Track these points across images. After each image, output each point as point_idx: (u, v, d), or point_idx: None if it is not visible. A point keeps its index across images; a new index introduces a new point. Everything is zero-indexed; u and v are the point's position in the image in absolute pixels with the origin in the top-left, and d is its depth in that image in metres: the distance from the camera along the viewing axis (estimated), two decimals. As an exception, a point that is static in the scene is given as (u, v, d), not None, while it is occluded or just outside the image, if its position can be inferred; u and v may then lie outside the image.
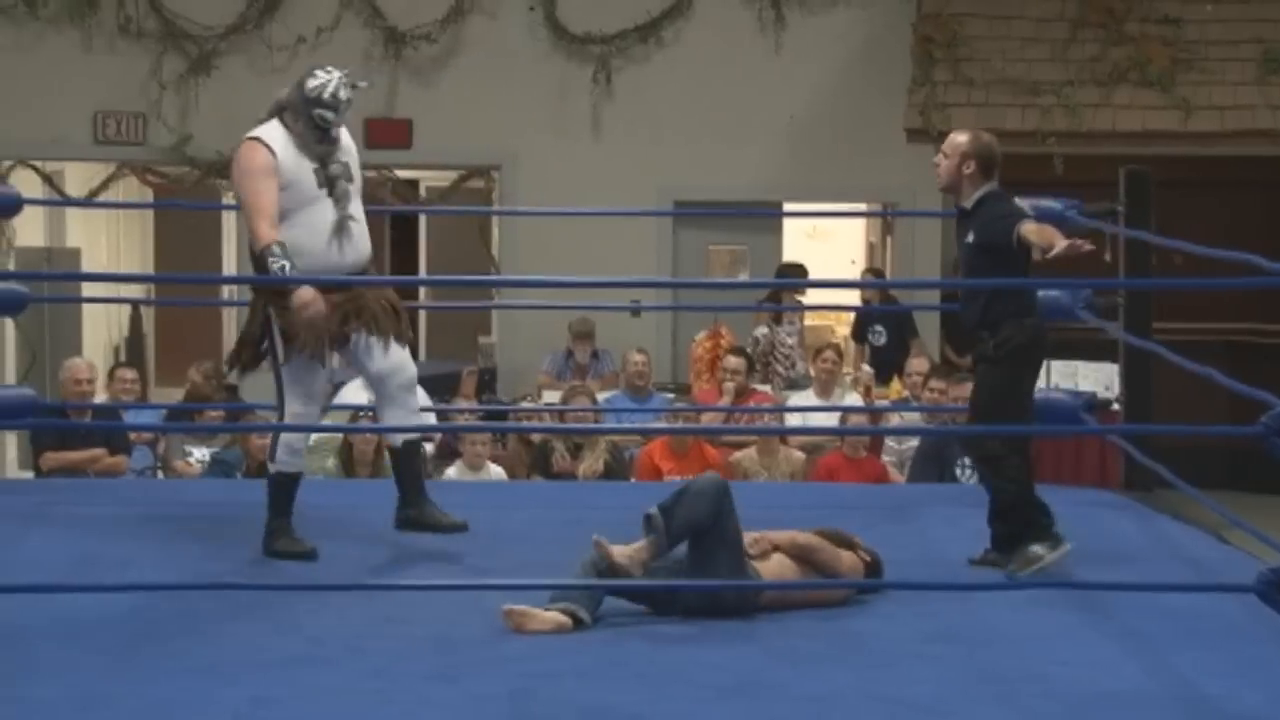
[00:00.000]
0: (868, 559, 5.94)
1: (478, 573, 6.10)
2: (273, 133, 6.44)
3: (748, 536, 5.81)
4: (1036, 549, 6.13)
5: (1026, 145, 12.34)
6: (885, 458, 10.02)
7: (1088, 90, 12.28)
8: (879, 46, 12.96)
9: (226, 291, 12.21)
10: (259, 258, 6.30)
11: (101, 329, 15.79)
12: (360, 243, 6.53)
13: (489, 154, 13.23)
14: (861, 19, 13.10)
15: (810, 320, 13.24)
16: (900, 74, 12.60)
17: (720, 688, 4.93)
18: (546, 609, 5.42)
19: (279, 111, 6.48)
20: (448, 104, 13.02)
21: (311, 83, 6.42)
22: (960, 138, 6.55)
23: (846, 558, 5.86)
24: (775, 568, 5.73)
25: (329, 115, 6.41)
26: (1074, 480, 9.86)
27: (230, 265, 14.72)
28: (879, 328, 12.54)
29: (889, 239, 14.22)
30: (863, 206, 13.65)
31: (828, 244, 15.71)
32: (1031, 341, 6.36)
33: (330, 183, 6.42)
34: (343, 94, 6.43)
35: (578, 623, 5.41)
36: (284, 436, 6.46)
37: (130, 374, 10.82)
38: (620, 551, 5.53)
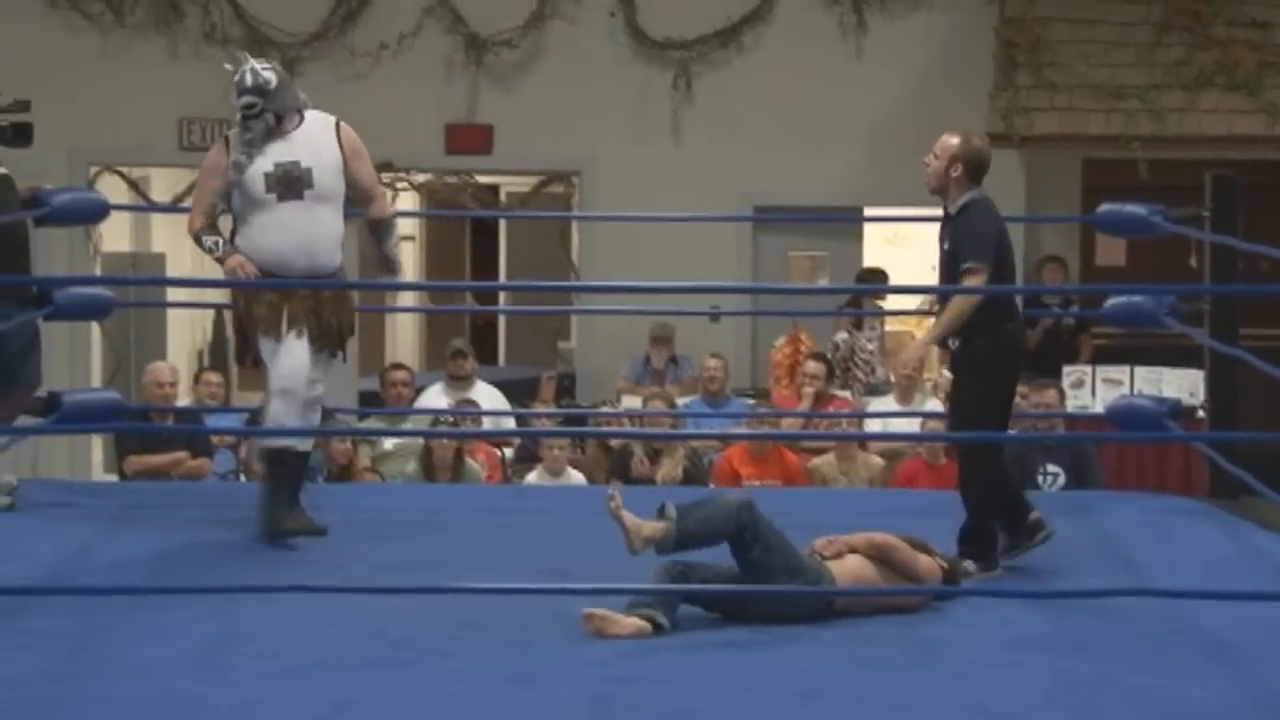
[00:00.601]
0: (945, 565, 5.91)
1: (557, 577, 6.11)
2: (232, 132, 6.71)
3: (821, 539, 5.80)
4: (968, 565, 6.09)
5: (1110, 150, 12.27)
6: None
7: (1173, 94, 12.17)
8: (961, 51, 12.90)
9: (309, 296, 12.29)
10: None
11: (185, 333, 15.91)
12: (314, 250, 6.63)
13: (569, 159, 13.26)
14: (943, 23, 13.04)
15: (890, 326, 13.19)
16: (982, 78, 12.54)
17: (799, 693, 4.92)
18: (625, 614, 5.42)
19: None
20: (528, 109, 13.05)
21: (233, 78, 6.62)
22: (951, 140, 6.56)
23: (924, 560, 5.83)
24: (851, 568, 5.71)
25: (246, 99, 6.57)
26: (1158, 488, 9.78)
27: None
28: None
29: (970, 244, 14.12)
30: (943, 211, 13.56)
31: (908, 250, 15.61)
32: (1006, 349, 6.31)
33: (283, 185, 6.56)
34: (249, 80, 6.56)
35: (656, 628, 5.41)
36: (272, 410, 6.64)
37: (215, 377, 10.91)
38: (631, 519, 5.56)
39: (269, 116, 6.59)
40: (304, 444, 6.75)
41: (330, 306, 6.74)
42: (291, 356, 6.61)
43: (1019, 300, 6.48)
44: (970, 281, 6.24)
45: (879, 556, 5.73)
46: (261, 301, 6.63)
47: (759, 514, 5.59)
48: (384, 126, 12.85)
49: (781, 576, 5.54)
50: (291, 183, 6.57)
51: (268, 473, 6.72)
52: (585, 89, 13.00)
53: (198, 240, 6.66)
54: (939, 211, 13.96)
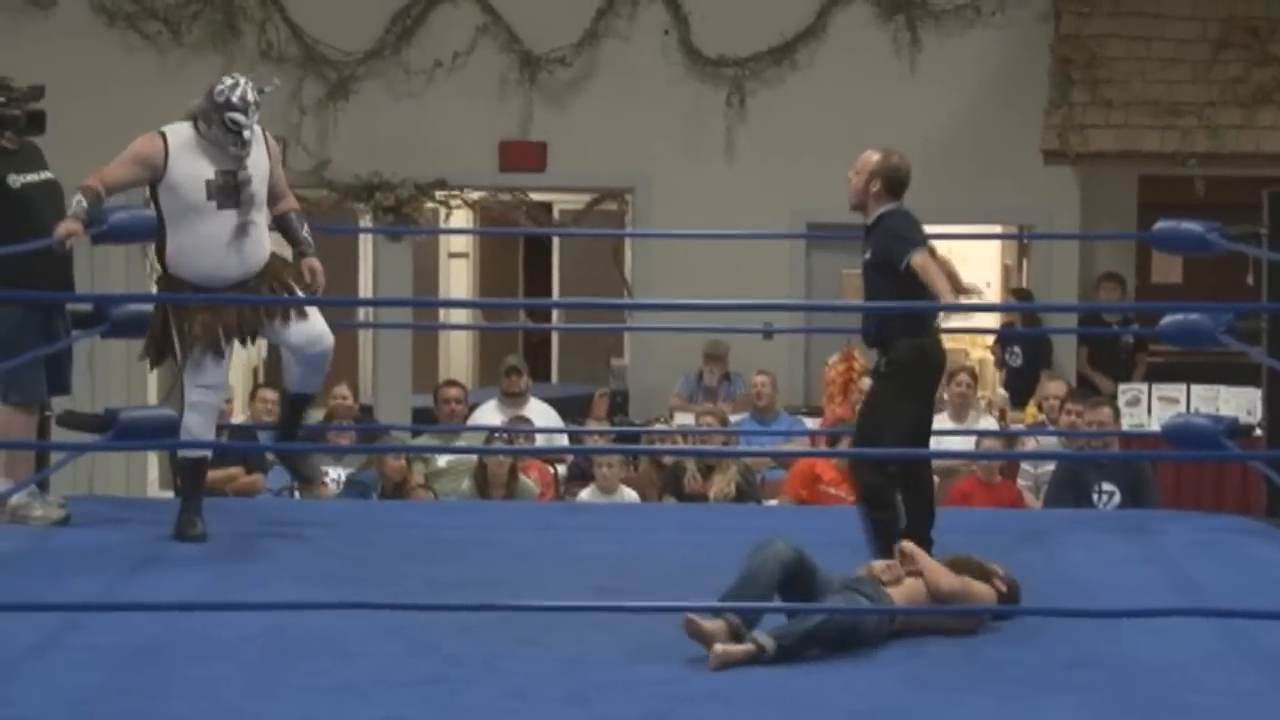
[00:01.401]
0: (1003, 589, 5.87)
1: (611, 594, 6.10)
2: (179, 130, 6.77)
3: (880, 563, 5.77)
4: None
5: (1166, 167, 12.20)
6: (1021, 482, 9.92)
7: (1230, 111, 12.11)
8: (1015, 68, 12.86)
9: (362, 314, 12.35)
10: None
11: (240, 351, 15.94)
12: (250, 258, 6.78)
13: (622, 177, 13.27)
14: (998, 40, 13.00)
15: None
16: (1037, 95, 12.50)
17: (856, 713, 4.90)
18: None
19: (192, 118, 6.77)
20: (582, 127, 13.07)
21: (220, 88, 6.68)
22: (872, 156, 6.64)
23: (980, 597, 5.77)
24: (908, 592, 5.68)
25: (239, 118, 6.65)
26: (1215, 507, 9.71)
27: (366, 288, 14.87)
28: (1016, 349, 12.44)
29: (1025, 261, 14.09)
30: (998, 229, 13.54)
31: (963, 267, 15.51)
32: (920, 361, 6.30)
33: (223, 193, 6.67)
34: (250, 96, 6.67)
35: (760, 649, 5.35)
36: (187, 422, 6.77)
37: (272, 395, 10.93)
38: (721, 649, 5.31)
39: (248, 134, 6.72)
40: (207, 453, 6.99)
41: (275, 277, 6.89)
42: (214, 373, 6.80)
43: (936, 318, 6.46)
44: (923, 268, 6.31)
45: (939, 598, 5.68)
46: (196, 320, 6.72)
47: (803, 560, 5.55)
48: (438, 144, 12.94)
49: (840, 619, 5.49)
50: (231, 191, 6.70)
51: (183, 481, 6.95)
52: (639, 106, 13.02)
53: (81, 195, 6.57)
54: (994, 229, 13.93)
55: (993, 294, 15.03)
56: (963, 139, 12.95)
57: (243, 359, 16.05)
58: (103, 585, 6.13)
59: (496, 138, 13.13)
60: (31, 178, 7.00)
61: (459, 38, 12.98)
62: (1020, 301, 12.42)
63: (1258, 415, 8.99)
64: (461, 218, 14.53)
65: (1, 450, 7.08)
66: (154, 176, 6.73)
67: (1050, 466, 9.57)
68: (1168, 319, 7.43)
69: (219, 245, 6.69)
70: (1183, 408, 10.53)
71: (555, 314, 16.01)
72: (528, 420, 10.49)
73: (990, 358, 13.28)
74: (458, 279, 17.13)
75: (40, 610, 5.45)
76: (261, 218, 6.86)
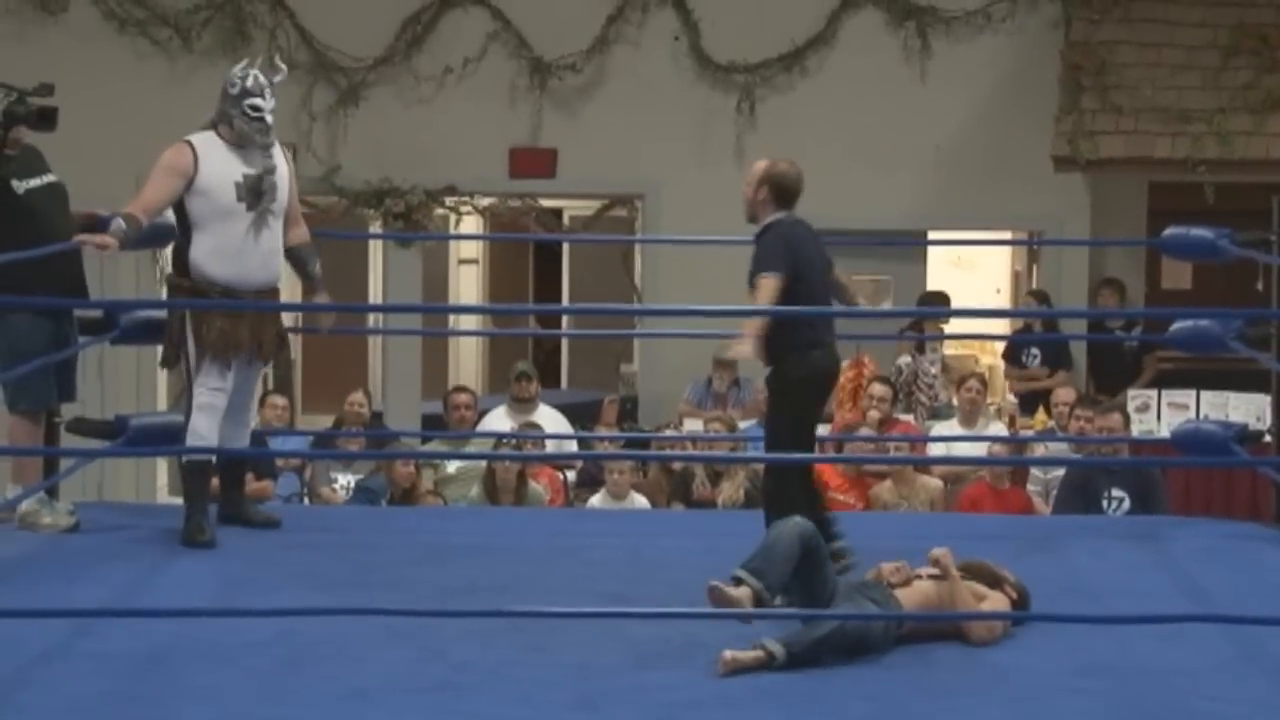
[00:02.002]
0: (1014, 596, 5.86)
1: (619, 600, 6.11)
2: (203, 136, 6.81)
3: (888, 565, 5.77)
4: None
5: (1176, 173, 12.19)
6: (1030, 488, 9.92)
7: (1240, 118, 12.10)
8: (1026, 74, 12.86)
9: (372, 320, 12.37)
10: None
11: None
12: (272, 263, 6.85)
13: (632, 183, 13.27)
14: (1008, 46, 13.00)
15: (953, 349, 13.14)
16: (1047, 102, 12.49)
17: (864, 718, 4.90)
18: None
19: (212, 125, 6.84)
20: (592, 133, 13.08)
21: (232, 79, 6.82)
22: (759, 165, 6.68)
23: (990, 602, 5.77)
24: (918, 596, 5.68)
25: (258, 102, 6.75)
26: (1225, 513, 9.71)
27: (376, 294, 14.89)
28: (1034, 350, 12.44)
29: (1035, 267, 14.09)
30: (1008, 235, 13.54)
31: (973, 273, 15.59)
32: (807, 376, 6.30)
33: (251, 196, 6.72)
34: (263, 80, 6.78)
35: (770, 656, 5.35)
36: (194, 424, 6.80)
37: (281, 400, 10.95)
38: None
39: (270, 117, 6.81)
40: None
41: (272, 324, 6.95)
42: (224, 378, 6.82)
43: (832, 326, 6.45)
44: (760, 289, 6.34)
45: (946, 602, 5.69)
46: (215, 326, 6.75)
47: (818, 547, 5.57)
48: (448, 150, 12.94)
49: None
50: (261, 194, 6.76)
51: (188, 485, 6.94)
52: (649, 113, 13.02)
53: (126, 221, 6.57)
54: (1004, 235, 13.99)
55: (1003, 299, 15.04)
56: (973, 145, 12.95)
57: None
58: (112, 592, 6.14)
59: (507, 144, 13.14)
60: (35, 182, 7.01)
61: (469, 44, 13.00)
62: (1040, 304, 12.43)
63: (1267, 421, 8.97)
64: (471, 224, 14.54)
65: (10, 457, 7.09)
66: (195, 188, 6.75)
67: (1060, 472, 9.57)
68: (1177, 325, 7.43)
69: (246, 248, 6.74)
70: (1192, 414, 10.52)
71: (565, 320, 16.00)
72: (537, 426, 10.50)
73: (1000, 365, 13.27)
74: (468, 285, 17.14)
75: (49, 616, 5.46)
76: (281, 228, 6.90)
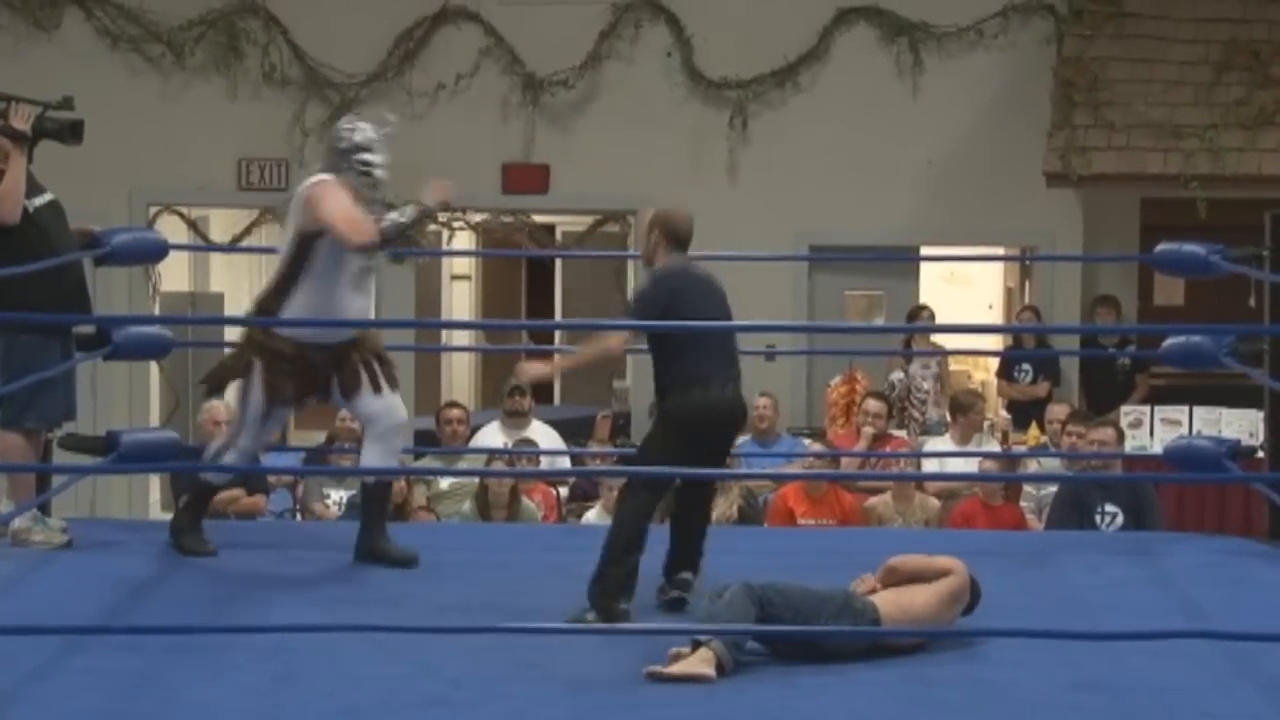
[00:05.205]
0: (960, 573, 5.89)
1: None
2: (333, 181, 6.62)
3: (855, 582, 5.81)
4: (590, 615, 5.98)
5: (1169, 189, 12.21)
6: (1023, 504, 9.92)
7: (1232, 134, 12.12)
8: (1018, 90, 12.88)
9: (366, 335, 12.30)
10: (395, 237, 6.64)
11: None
12: (370, 295, 6.80)
13: (625, 199, 13.28)
14: (1000, 63, 13.03)
15: (950, 365, 13.14)
16: (1040, 118, 12.52)
17: (858, 736, 4.89)
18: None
19: (331, 171, 6.63)
20: (584, 149, 13.09)
21: (340, 134, 6.64)
22: (649, 212, 6.77)
23: (940, 558, 5.82)
24: (890, 603, 5.70)
25: (371, 158, 6.59)
26: (1218, 529, 9.72)
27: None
28: (1025, 366, 12.47)
29: (1027, 283, 14.11)
30: (1001, 250, 13.56)
31: (966, 289, 15.61)
32: (687, 416, 6.25)
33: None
34: (374, 134, 6.62)
35: (720, 668, 5.35)
36: (227, 458, 6.78)
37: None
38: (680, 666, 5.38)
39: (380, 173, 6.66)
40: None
41: (350, 359, 6.80)
42: (272, 430, 6.92)
43: (730, 362, 6.41)
44: (606, 338, 6.57)
45: (895, 579, 5.74)
46: (290, 381, 6.67)
47: (768, 585, 5.58)
48: (441, 166, 12.85)
49: (824, 620, 5.54)
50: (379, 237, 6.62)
51: (195, 502, 7.01)
52: (641, 129, 13.04)
53: (387, 237, 6.54)
54: (995, 250, 14.00)
55: (996, 315, 15.06)
56: (965, 161, 12.97)
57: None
58: (104, 608, 6.13)
59: (499, 160, 13.15)
60: (39, 201, 7.01)
61: (462, 60, 13.01)
62: (1032, 319, 12.46)
63: (1260, 437, 8.98)
64: (464, 240, 14.55)
65: (3, 473, 7.08)
66: (317, 227, 6.53)
67: (1053, 488, 9.57)
68: (1170, 341, 7.43)
69: (346, 289, 6.59)
70: (1185, 430, 10.53)
71: (558, 336, 16.00)
72: (531, 442, 10.48)
73: (994, 381, 13.29)
74: (460, 301, 17.15)
75: (42, 633, 5.45)
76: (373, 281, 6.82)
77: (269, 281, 6.79)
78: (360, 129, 6.63)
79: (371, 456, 6.80)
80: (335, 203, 6.48)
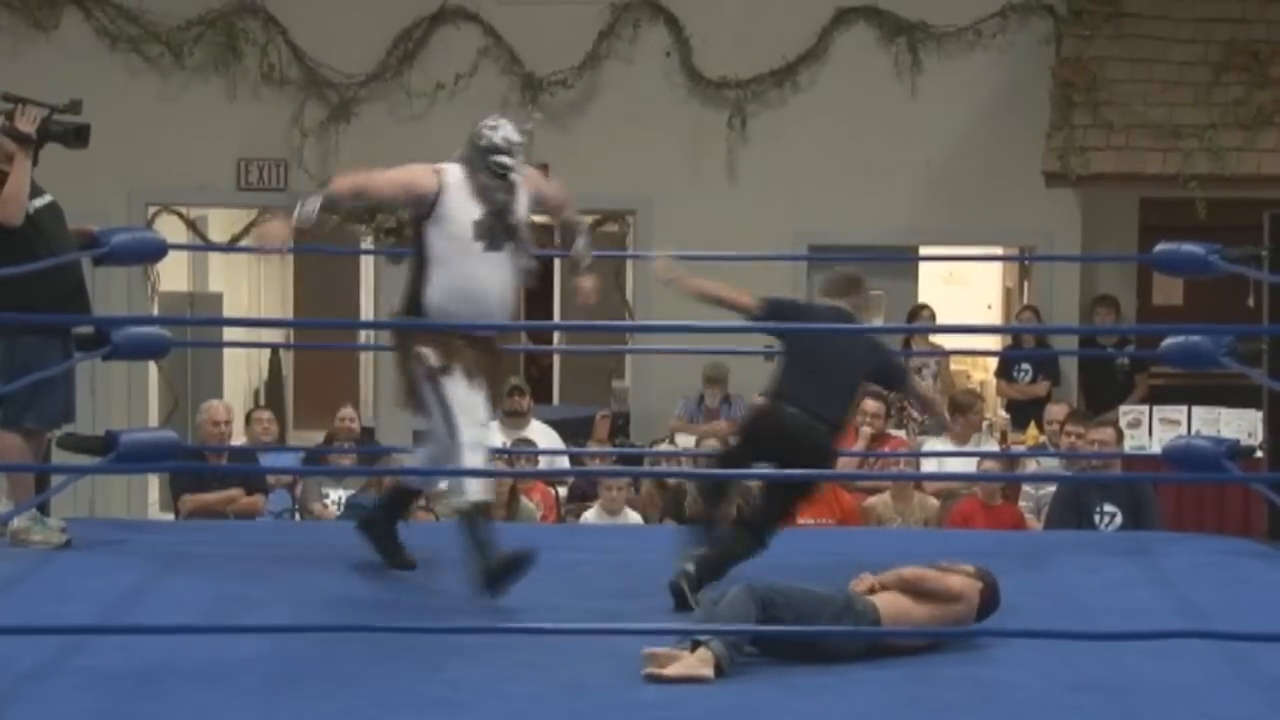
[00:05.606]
0: (981, 582, 5.86)
1: (612, 617, 6.10)
2: (452, 169, 6.51)
3: (854, 581, 5.79)
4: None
5: (1168, 189, 12.21)
6: (1022, 504, 9.92)
7: (1231, 134, 12.12)
8: (1017, 90, 12.88)
9: (364, 335, 12.36)
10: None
11: (242, 373, 16.01)
12: (512, 300, 6.57)
13: (624, 199, 13.28)
14: (999, 62, 13.02)
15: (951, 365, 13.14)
16: (1038, 118, 12.51)
17: (857, 736, 4.89)
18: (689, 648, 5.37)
19: (461, 162, 6.52)
20: (583, 149, 13.08)
21: (481, 131, 6.51)
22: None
23: (955, 579, 5.80)
24: (891, 607, 5.68)
25: (505, 160, 6.47)
26: (1217, 529, 9.72)
27: (368, 310, 14.88)
28: (1025, 366, 12.48)
29: (1026, 284, 14.11)
30: (999, 250, 13.56)
31: (964, 289, 15.62)
32: (745, 425, 6.60)
33: (491, 235, 6.45)
34: (514, 137, 6.51)
35: (718, 669, 5.33)
36: (468, 464, 6.32)
37: (266, 415, 10.95)
38: (668, 659, 5.38)
39: (515, 176, 6.52)
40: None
41: (490, 353, 6.59)
42: (484, 409, 6.46)
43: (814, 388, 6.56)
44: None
45: (911, 589, 5.72)
46: (466, 356, 6.39)
47: (769, 586, 5.56)
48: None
49: (825, 621, 5.53)
50: (499, 233, 6.48)
51: (474, 531, 6.35)
52: (640, 129, 13.03)
53: (328, 197, 6.40)
54: (995, 250, 14.00)
55: (995, 315, 15.06)
56: (964, 161, 12.97)
57: (244, 381, 16.07)
58: (103, 608, 6.13)
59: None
60: (39, 202, 7.02)
61: (461, 60, 13.01)
62: (1031, 319, 12.46)
63: (1259, 437, 9.00)
64: (463, 240, 14.51)
65: (2, 474, 7.08)
66: (420, 211, 6.47)
67: (1052, 488, 9.57)
68: (1169, 341, 7.43)
69: (483, 288, 6.43)
70: (1184, 430, 10.53)
71: (556, 336, 16.01)
72: (530, 442, 10.49)
73: (993, 381, 13.30)
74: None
75: (40, 633, 5.45)
76: (518, 265, 6.60)
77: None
78: (502, 128, 6.51)
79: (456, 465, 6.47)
80: (383, 172, 6.48)
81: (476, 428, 6.40)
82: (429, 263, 6.47)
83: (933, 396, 6.86)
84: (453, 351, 6.40)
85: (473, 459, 6.35)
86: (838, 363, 6.66)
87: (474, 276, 6.44)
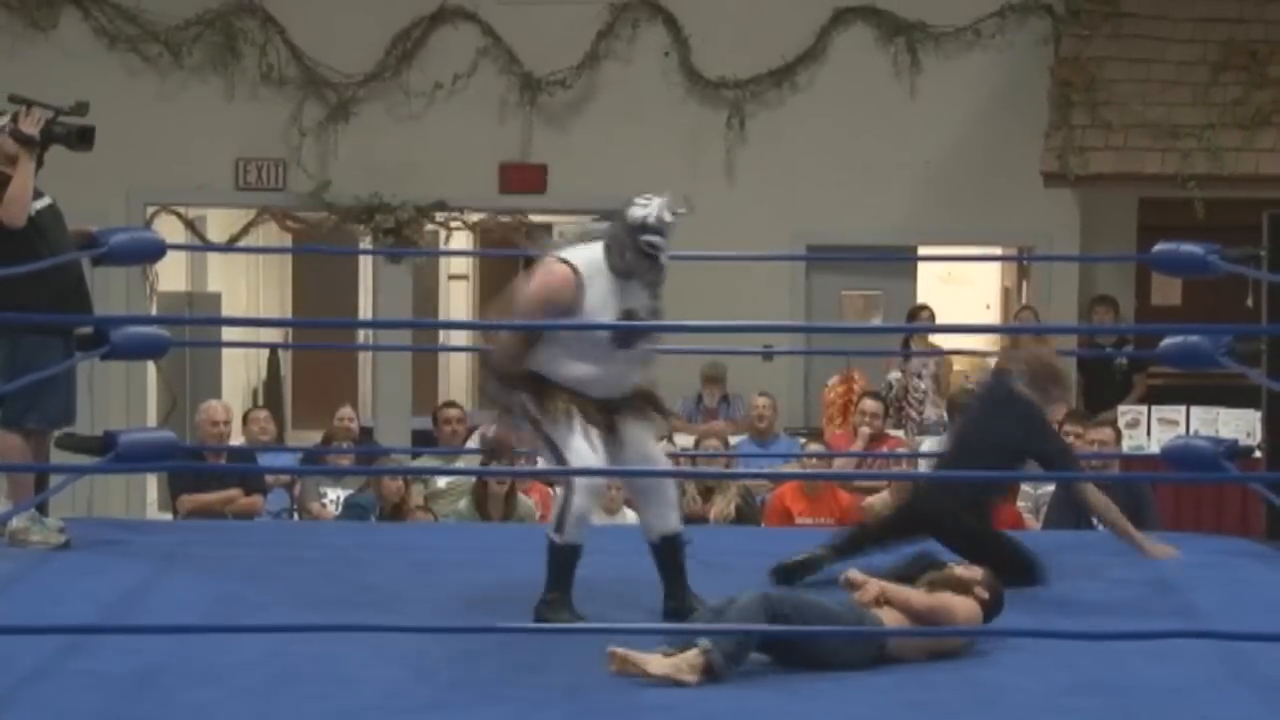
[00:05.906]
0: (985, 597, 5.83)
1: (611, 618, 6.09)
2: (590, 259, 6.18)
3: (857, 580, 5.74)
4: None
5: (1166, 189, 12.22)
6: (1021, 504, 9.91)
7: (1230, 133, 12.13)
8: (1016, 90, 12.88)
9: (362, 335, 12.35)
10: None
11: (240, 372, 16.00)
12: (632, 375, 6.27)
13: (623, 199, 13.17)
14: (998, 63, 13.03)
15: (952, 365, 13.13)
16: (1037, 118, 12.52)
17: (855, 737, 4.89)
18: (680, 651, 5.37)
19: (604, 246, 6.22)
20: (582, 149, 13.09)
21: (635, 211, 6.21)
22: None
23: (961, 612, 5.74)
24: (895, 620, 5.66)
25: (658, 240, 6.19)
26: (1215, 529, 9.72)
27: (366, 310, 14.87)
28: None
29: (1024, 283, 14.11)
30: (998, 250, 13.56)
31: (963, 289, 15.61)
32: None
33: (628, 334, 6.13)
34: (667, 217, 6.22)
35: (708, 669, 5.31)
36: (576, 507, 6.09)
37: (263, 414, 10.94)
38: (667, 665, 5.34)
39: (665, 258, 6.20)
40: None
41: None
42: (594, 451, 6.15)
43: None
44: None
45: (919, 619, 5.66)
46: (563, 396, 6.13)
47: (783, 598, 5.54)
48: (438, 166, 12.95)
49: (835, 638, 5.50)
50: (637, 336, 6.22)
51: (558, 570, 6.11)
52: (639, 128, 13.04)
53: (504, 381, 6.12)
54: (993, 250, 13.99)
55: (993, 315, 15.05)
56: (963, 161, 12.97)
57: (243, 381, 16.07)
58: (101, 609, 6.13)
59: (496, 160, 13.15)
60: (39, 204, 7.02)
61: (459, 60, 13.01)
62: (1030, 319, 12.45)
63: (1257, 437, 8.99)
64: (461, 239, 14.54)
65: (2, 474, 7.07)
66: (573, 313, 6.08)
67: (1050, 488, 9.56)
68: (1167, 341, 7.43)
69: (596, 375, 6.11)
70: (1182, 429, 10.53)
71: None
72: (528, 442, 10.47)
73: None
74: (458, 301, 17.13)
75: (39, 634, 5.44)
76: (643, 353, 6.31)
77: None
78: (656, 207, 6.24)
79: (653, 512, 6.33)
80: (536, 307, 6.12)
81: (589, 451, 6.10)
82: (554, 349, 6.17)
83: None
84: (557, 396, 6.12)
85: (582, 502, 6.12)
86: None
87: (598, 365, 6.12)
